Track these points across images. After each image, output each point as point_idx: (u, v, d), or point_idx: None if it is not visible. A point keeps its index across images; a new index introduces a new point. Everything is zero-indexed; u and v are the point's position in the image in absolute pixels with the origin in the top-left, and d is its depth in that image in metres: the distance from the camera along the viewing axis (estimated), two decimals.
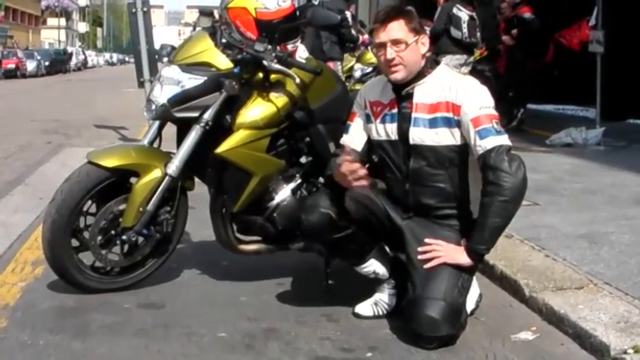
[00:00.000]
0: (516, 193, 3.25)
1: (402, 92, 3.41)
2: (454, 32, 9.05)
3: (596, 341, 3.14)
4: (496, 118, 3.28)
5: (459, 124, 3.29)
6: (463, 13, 9.14)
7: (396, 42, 3.33)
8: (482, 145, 3.23)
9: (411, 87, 3.39)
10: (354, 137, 3.60)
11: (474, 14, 9.23)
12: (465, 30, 9.10)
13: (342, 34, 9.00)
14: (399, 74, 3.36)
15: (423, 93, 3.37)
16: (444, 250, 3.32)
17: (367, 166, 3.67)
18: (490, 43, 10.36)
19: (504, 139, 3.26)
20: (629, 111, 11.25)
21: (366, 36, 9.67)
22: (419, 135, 3.37)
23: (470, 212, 3.42)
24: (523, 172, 3.26)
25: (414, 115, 3.38)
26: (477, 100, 3.29)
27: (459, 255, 3.31)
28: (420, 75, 3.39)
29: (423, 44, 3.39)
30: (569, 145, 9.06)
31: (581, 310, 3.41)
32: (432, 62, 3.45)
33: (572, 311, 3.41)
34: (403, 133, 3.41)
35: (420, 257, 3.34)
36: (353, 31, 9.27)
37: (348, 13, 9.55)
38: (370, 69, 10.07)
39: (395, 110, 3.44)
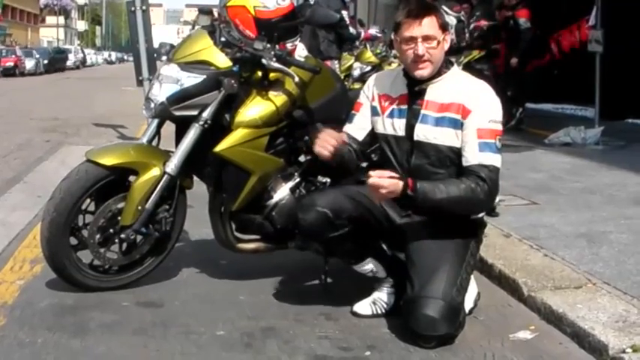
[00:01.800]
0: (477, 207, 3.35)
1: (415, 88, 3.41)
2: None
3: (595, 340, 3.14)
4: (500, 135, 3.30)
5: (462, 126, 3.30)
6: (450, 17, 9.10)
7: (427, 38, 3.32)
8: (479, 158, 3.25)
9: (426, 84, 3.39)
10: (357, 127, 3.59)
11: (461, 15, 9.19)
12: (453, 36, 9.08)
13: (340, 33, 9.00)
14: (426, 70, 3.36)
15: (437, 92, 3.37)
16: (386, 182, 3.22)
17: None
18: (487, 43, 10.33)
19: (499, 160, 3.30)
20: (628, 110, 11.24)
21: (369, 32, 9.64)
22: (423, 132, 3.37)
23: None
24: (492, 201, 3.40)
25: (422, 111, 3.38)
26: (489, 112, 3.30)
27: (396, 188, 3.22)
28: (437, 74, 3.39)
29: (446, 41, 3.40)
30: (567, 145, 9.06)
31: (580, 310, 3.41)
32: (447, 62, 3.45)
33: (570, 310, 3.41)
34: (410, 129, 3.41)
35: (370, 180, 3.23)
36: (352, 29, 9.27)
37: (344, 13, 9.55)
38: (369, 67, 10.09)
39: (405, 106, 3.44)
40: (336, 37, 9.04)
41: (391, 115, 3.48)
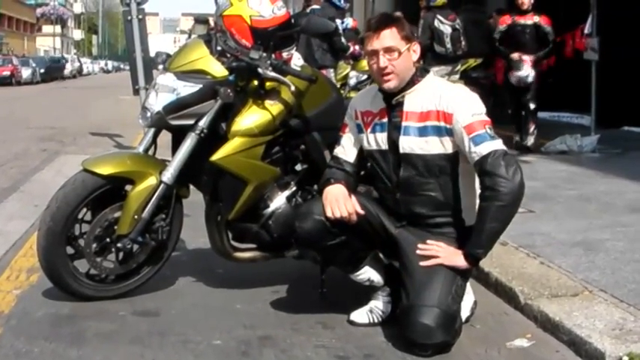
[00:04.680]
0: (514, 197, 3.26)
1: (392, 101, 3.42)
2: (438, 49, 9.03)
3: (591, 348, 3.14)
4: (489, 124, 3.29)
5: (450, 132, 3.29)
6: (445, 26, 9.10)
7: (388, 50, 3.34)
8: (478, 151, 3.23)
9: (401, 95, 3.40)
10: (346, 148, 3.60)
11: (456, 23, 9.19)
12: (449, 45, 9.09)
13: (334, 42, 9.01)
14: (392, 83, 3.37)
15: (413, 101, 3.38)
16: (443, 252, 3.34)
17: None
18: (481, 52, 10.29)
19: (499, 144, 3.26)
20: (624, 118, 11.26)
21: (357, 47, 9.63)
22: (408, 144, 3.37)
23: (462, 220, 3.43)
24: (520, 177, 3.26)
25: (403, 123, 3.38)
26: (468, 108, 3.29)
27: (456, 257, 3.32)
28: (410, 83, 3.39)
29: (415, 52, 3.40)
30: (564, 153, 9.09)
31: (577, 317, 3.42)
32: (422, 70, 3.46)
33: (567, 318, 3.42)
34: (393, 142, 3.41)
35: (419, 252, 3.34)
36: (344, 40, 9.28)
37: (350, 21, 9.55)
38: (365, 76, 10.07)
39: (385, 119, 3.45)
40: (330, 46, 9.05)
41: (374, 130, 3.49)
